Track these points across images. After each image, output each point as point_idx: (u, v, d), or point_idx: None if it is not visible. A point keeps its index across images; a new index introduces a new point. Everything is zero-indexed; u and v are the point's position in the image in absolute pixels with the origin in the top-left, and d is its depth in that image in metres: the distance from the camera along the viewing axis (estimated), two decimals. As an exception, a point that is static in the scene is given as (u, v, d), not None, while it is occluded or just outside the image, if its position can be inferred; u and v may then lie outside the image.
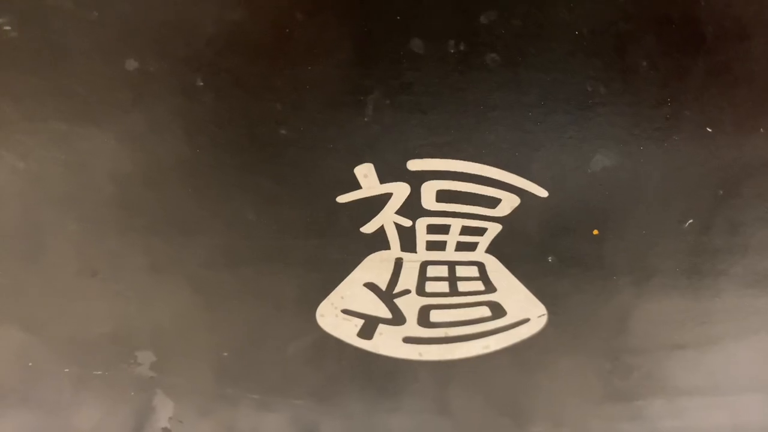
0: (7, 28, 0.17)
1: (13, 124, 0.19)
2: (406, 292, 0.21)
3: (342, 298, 0.21)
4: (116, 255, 0.21)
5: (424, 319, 0.21)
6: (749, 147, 0.19)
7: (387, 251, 0.20)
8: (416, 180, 0.19)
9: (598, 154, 0.19)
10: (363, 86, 0.18)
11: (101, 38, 0.17)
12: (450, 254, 0.20)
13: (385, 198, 0.19)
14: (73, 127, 0.18)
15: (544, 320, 0.21)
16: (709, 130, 0.19)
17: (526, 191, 0.19)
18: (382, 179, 0.19)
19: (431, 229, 0.20)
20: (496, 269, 0.21)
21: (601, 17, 0.17)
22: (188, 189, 0.19)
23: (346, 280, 0.21)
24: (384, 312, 0.21)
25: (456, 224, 0.20)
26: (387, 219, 0.20)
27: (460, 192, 0.19)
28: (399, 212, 0.20)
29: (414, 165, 0.19)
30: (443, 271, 0.21)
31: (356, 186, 0.19)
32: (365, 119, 0.18)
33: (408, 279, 0.21)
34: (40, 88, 0.18)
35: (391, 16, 0.17)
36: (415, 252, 0.20)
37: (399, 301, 0.21)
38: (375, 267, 0.20)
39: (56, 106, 0.18)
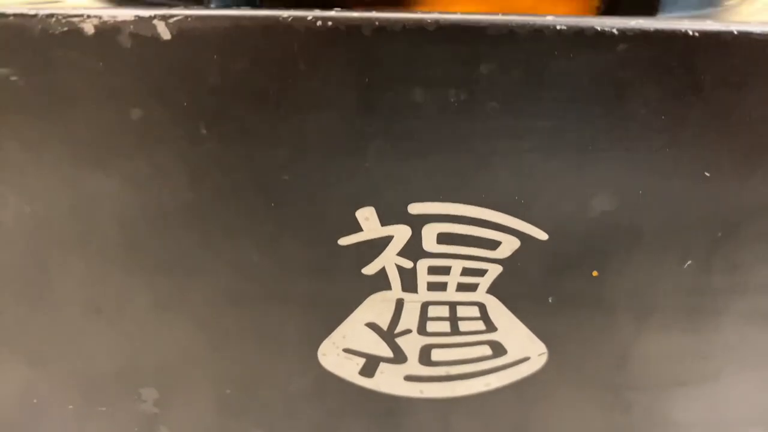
0: (14, 78, 0.18)
1: (20, 169, 0.19)
2: (408, 331, 0.21)
3: (344, 337, 0.21)
4: (121, 293, 0.21)
5: (425, 357, 0.21)
6: (748, 190, 0.19)
7: (388, 291, 0.20)
8: (417, 223, 0.19)
9: (598, 198, 0.19)
10: (365, 133, 0.18)
11: (106, 88, 0.18)
12: (451, 294, 0.21)
13: (386, 240, 0.20)
14: (79, 172, 0.19)
15: (544, 358, 0.22)
16: (707, 174, 0.19)
17: (527, 234, 0.20)
18: (384, 222, 0.19)
19: (432, 270, 0.20)
20: (496, 309, 0.21)
21: (601, 65, 0.18)
22: (192, 231, 0.20)
23: (347, 319, 0.21)
24: (385, 351, 0.21)
25: (457, 265, 0.20)
26: (388, 260, 0.20)
27: (460, 234, 0.20)
28: (400, 254, 0.20)
29: (415, 209, 0.19)
30: (444, 311, 0.21)
31: (358, 228, 0.19)
32: (366, 164, 0.19)
33: (409, 319, 0.21)
34: (46, 134, 0.18)
35: (393, 65, 0.17)
36: (416, 292, 0.20)
37: (400, 341, 0.21)
38: (376, 307, 0.21)
39: (63, 151, 0.19)
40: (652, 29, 0.17)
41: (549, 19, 0.17)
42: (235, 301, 0.21)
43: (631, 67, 0.18)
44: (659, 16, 0.22)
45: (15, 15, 0.17)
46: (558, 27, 0.17)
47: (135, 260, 0.20)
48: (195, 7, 0.20)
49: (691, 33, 0.17)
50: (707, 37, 0.17)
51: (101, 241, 0.20)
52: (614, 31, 0.17)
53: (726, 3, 0.25)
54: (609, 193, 0.19)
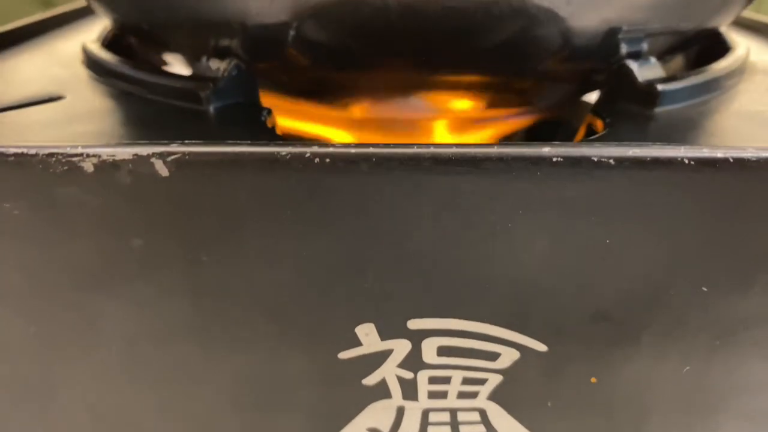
0: (16, 212, 0.18)
1: (23, 293, 0.19)
2: (409, 436, 0.21)
3: (346, 442, 0.21)
4: (124, 401, 0.21)
5: (427, 460, 0.22)
6: (745, 303, 0.19)
7: (389, 400, 0.21)
8: (417, 337, 0.20)
9: (596, 311, 0.19)
10: (364, 256, 0.18)
11: (107, 220, 0.18)
12: (452, 402, 0.21)
13: (386, 353, 0.20)
14: (82, 295, 0.19)
15: (545, 457, 0.22)
16: (705, 289, 0.19)
17: (526, 346, 0.20)
18: (383, 337, 0.20)
19: (433, 380, 0.20)
20: (497, 414, 0.21)
21: (596, 192, 0.18)
22: (194, 345, 0.20)
23: (348, 425, 0.21)
24: (387, 455, 0.22)
25: (457, 375, 0.20)
26: (388, 372, 0.20)
27: (460, 347, 0.20)
28: (400, 365, 0.20)
29: (414, 324, 0.19)
30: (445, 416, 0.21)
31: (358, 343, 0.20)
32: (366, 285, 0.19)
33: (410, 424, 0.21)
34: (48, 261, 0.19)
35: (390, 195, 0.17)
36: (417, 400, 0.21)
37: (402, 444, 0.21)
38: (377, 414, 0.21)
39: (65, 277, 0.19)
40: (648, 158, 0.17)
41: (545, 151, 0.17)
42: (238, 407, 0.21)
43: (627, 193, 0.18)
44: (658, 108, 0.22)
45: (15, 155, 0.17)
46: (554, 159, 0.17)
47: (138, 371, 0.20)
48: (193, 116, 0.20)
49: (686, 162, 0.17)
50: (703, 163, 0.17)
51: (105, 355, 0.20)
52: (611, 161, 0.17)
53: (725, 80, 0.25)
54: (608, 305, 0.19)
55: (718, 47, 0.29)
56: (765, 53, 0.33)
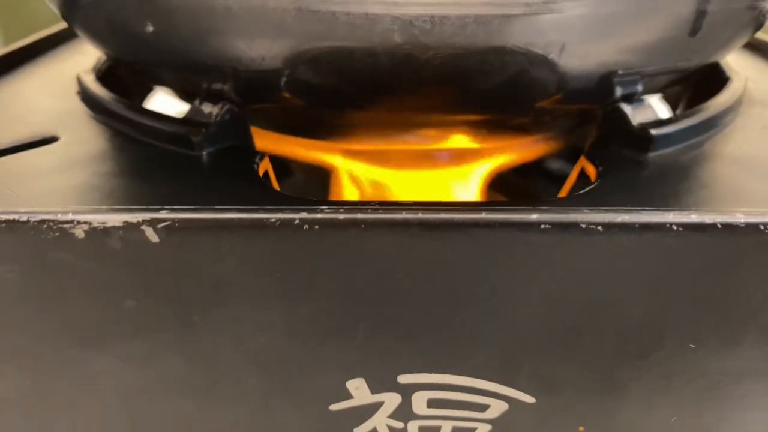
0: (10, 275, 0.18)
1: (18, 350, 0.19)
2: (400, 480, 0.22)
3: (338, 487, 0.22)
4: (121, 446, 0.21)
5: (417, 503, 0.22)
6: (732, 358, 0.19)
7: (380, 447, 0.21)
8: (407, 390, 0.20)
9: (584, 365, 0.20)
10: (354, 317, 0.18)
11: (99, 283, 0.18)
12: (442, 449, 0.21)
13: (377, 405, 0.20)
14: (77, 353, 0.19)
15: (534, 500, 0.22)
16: (693, 346, 0.19)
17: (514, 398, 0.20)
18: (374, 390, 0.20)
19: (423, 429, 0.21)
20: (486, 460, 0.21)
21: (585, 256, 0.18)
22: (188, 400, 0.20)
23: (341, 471, 0.21)
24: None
25: (447, 425, 0.21)
26: (379, 422, 0.20)
27: (450, 400, 0.20)
28: (391, 416, 0.20)
29: (404, 379, 0.20)
30: (435, 463, 0.21)
31: (348, 396, 0.20)
32: (356, 343, 0.19)
33: (401, 470, 0.21)
34: (42, 321, 0.19)
35: (380, 258, 0.18)
36: (408, 448, 0.21)
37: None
38: (369, 460, 0.21)
39: (59, 336, 0.19)
40: (636, 224, 0.17)
41: (533, 218, 0.17)
42: (232, 453, 0.21)
43: (615, 256, 0.18)
44: (652, 153, 0.22)
45: (7, 221, 0.17)
46: (542, 226, 0.17)
47: (134, 424, 0.21)
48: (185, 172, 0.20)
49: (674, 228, 0.17)
50: (691, 229, 0.17)
51: (101, 409, 0.20)
52: (599, 228, 0.17)
53: (720, 118, 0.25)
54: (597, 360, 0.19)
55: (716, 77, 0.28)
56: (764, 75, 0.32)
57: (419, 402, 0.20)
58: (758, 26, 0.25)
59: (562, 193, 0.24)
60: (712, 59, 0.25)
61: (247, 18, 0.19)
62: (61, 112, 0.26)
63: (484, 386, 0.20)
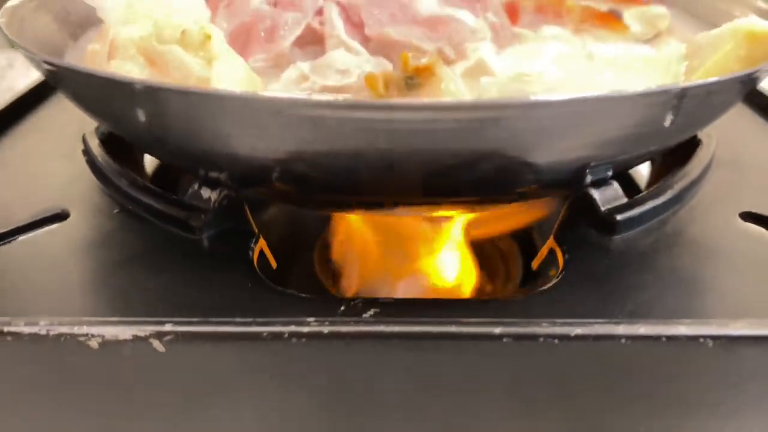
0: (31, 378, 0.20)
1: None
2: None
3: None
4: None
5: None
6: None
7: None
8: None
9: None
10: (338, 413, 0.21)
11: (111, 385, 0.20)
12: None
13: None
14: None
15: None
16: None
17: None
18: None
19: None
20: None
21: (542, 366, 0.20)
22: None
23: None
24: None
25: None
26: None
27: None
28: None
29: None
30: None
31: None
32: None
33: None
34: (60, 420, 0.21)
35: (359, 366, 0.20)
36: None
37: None
38: None
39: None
40: (590, 336, 0.19)
41: (497, 331, 0.19)
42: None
43: (571, 367, 0.20)
44: (617, 236, 0.24)
45: (30, 334, 0.19)
46: (504, 339, 0.19)
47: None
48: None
49: (623, 341, 0.19)
50: (638, 340, 0.19)
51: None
52: (555, 341, 0.19)
53: (686, 192, 0.27)
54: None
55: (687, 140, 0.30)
56: (736, 123, 0.33)
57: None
58: (739, 100, 0.26)
59: (535, 262, 0.26)
60: (688, 137, 0.27)
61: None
62: (71, 180, 0.28)
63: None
